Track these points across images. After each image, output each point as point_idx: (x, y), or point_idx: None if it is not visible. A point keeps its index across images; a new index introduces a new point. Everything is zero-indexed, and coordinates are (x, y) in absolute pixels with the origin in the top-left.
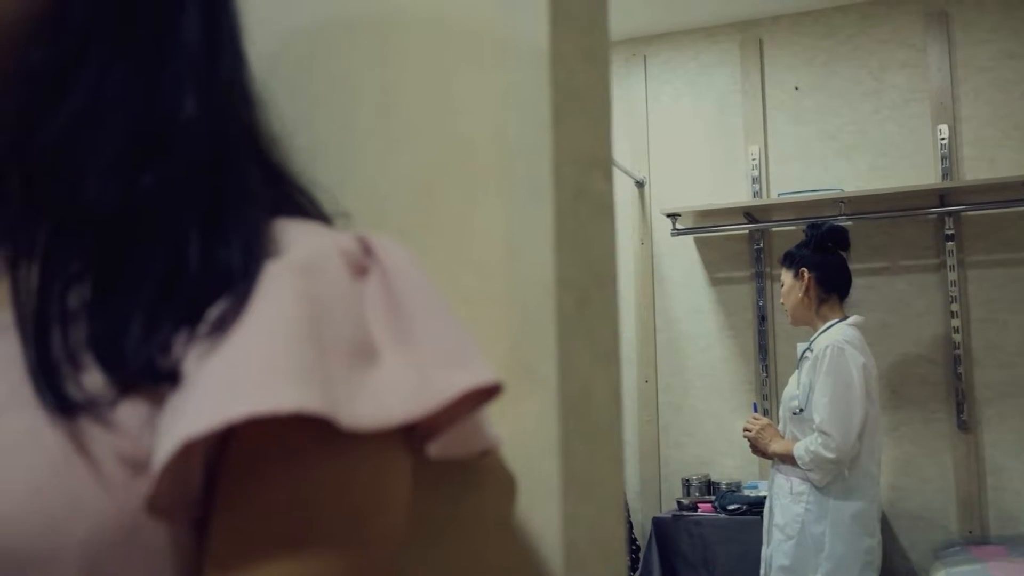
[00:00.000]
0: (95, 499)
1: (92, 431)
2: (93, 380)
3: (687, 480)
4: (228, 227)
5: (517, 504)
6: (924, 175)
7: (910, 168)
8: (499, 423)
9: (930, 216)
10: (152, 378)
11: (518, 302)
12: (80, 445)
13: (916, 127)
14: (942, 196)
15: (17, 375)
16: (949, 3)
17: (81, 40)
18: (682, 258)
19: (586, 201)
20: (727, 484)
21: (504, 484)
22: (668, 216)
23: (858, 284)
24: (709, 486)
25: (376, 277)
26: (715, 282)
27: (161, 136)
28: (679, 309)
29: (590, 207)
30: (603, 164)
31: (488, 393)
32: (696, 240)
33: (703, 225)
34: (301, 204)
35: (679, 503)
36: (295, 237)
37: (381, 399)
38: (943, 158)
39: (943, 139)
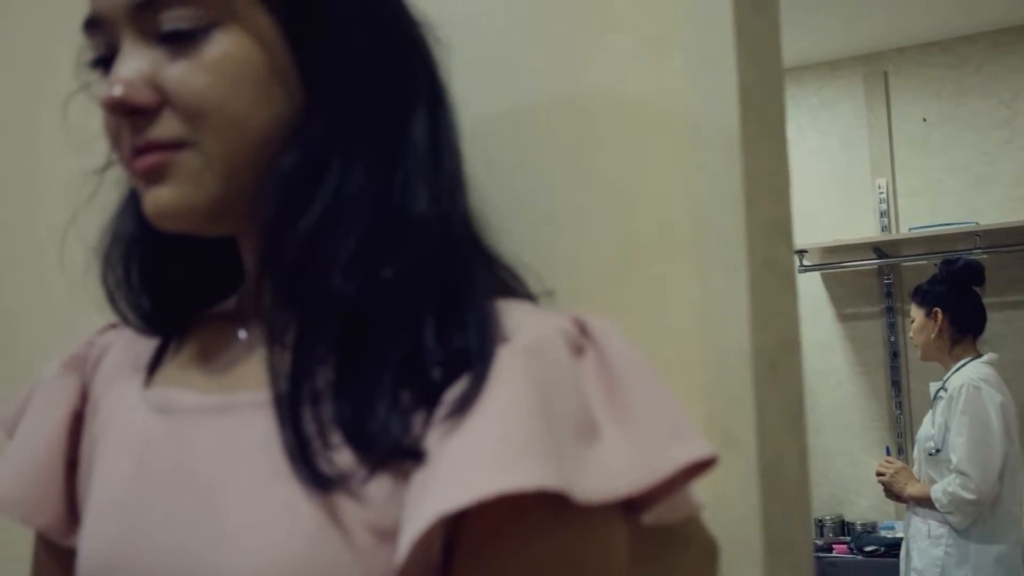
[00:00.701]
0: (348, 567)
1: (344, 504)
2: (343, 458)
3: (820, 520)
4: (461, 313)
5: (719, 568)
6: None
7: None
8: (700, 488)
9: None
10: (398, 456)
11: (714, 371)
12: (334, 517)
13: None
14: None
15: (276, 452)
16: None
17: (324, 148)
18: (809, 294)
19: (773, 270)
20: (862, 524)
21: (706, 548)
22: (795, 252)
23: (995, 318)
24: (843, 526)
25: (592, 356)
26: (843, 318)
27: (397, 231)
28: (807, 346)
29: (777, 275)
30: (785, 233)
31: (703, 466)
32: (823, 276)
33: (830, 261)
34: (510, 284)
35: (813, 544)
36: (517, 319)
37: (606, 473)
38: None
39: None
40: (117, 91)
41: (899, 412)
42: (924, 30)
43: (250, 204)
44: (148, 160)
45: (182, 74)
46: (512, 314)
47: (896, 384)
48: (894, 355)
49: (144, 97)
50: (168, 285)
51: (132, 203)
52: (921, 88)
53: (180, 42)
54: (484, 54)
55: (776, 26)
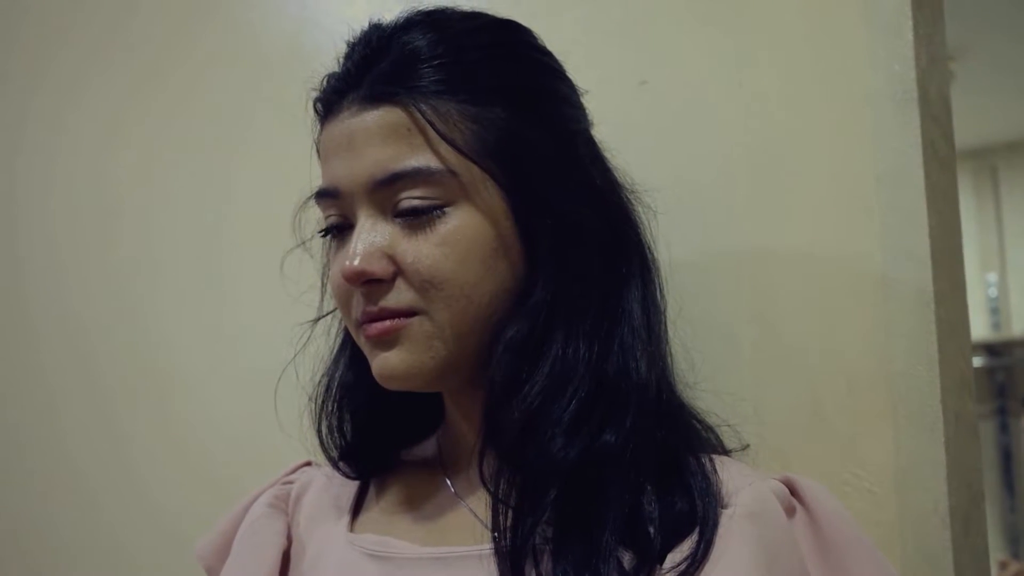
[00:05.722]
0: None
1: None
2: None
3: None
4: (681, 475)
5: None
6: None
7: None
8: None
9: None
10: None
11: (909, 529)
12: None
13: None
14: None
15: None
16: None
17: (547, 319)
18: None
19: (962, 425)
20: None
21: None
22: None
23: None
24: None
25: (801, 515)
26: None
27: (617, 396)
28: None
29: (965, 430)
30: (970, 385)
31: None
32: None
33: None
34: (708, 439)
35: None
36: (729, 478)
37: None
38: None
39: None
40: (356, 263)
41: (1012, 516)
42: None
43: (471, 367)
44: (382, 326)
45: (416, 248)
46: (725, 472)
47: (1009, 487)
48: (1007, 456)
49: (380, 268)
50: (375, 431)
51: (345, 356)
52: None
53: (415, 218)
54: (680, 201)
55: (955, 178)
